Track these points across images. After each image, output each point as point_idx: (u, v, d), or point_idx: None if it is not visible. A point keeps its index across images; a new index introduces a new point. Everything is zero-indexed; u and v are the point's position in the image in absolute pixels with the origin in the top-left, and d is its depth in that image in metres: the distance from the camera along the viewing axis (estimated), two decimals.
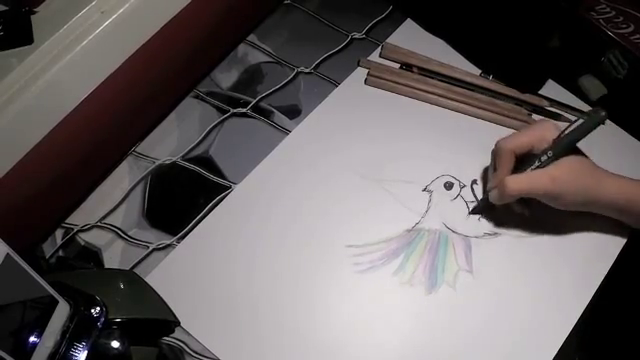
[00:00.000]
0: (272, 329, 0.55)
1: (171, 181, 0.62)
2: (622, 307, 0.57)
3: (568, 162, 0.53)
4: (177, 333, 0.54)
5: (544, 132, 0.54)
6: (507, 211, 0.59)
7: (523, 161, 0.55)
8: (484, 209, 0.60)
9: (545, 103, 0.66)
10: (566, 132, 0.53)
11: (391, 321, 0.55)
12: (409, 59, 0.68)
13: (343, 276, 0.57)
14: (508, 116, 0.65)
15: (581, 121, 0.52)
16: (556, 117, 0.65)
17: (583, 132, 0.52)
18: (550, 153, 0.53)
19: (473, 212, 0.60)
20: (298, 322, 0.55)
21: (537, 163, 0.54)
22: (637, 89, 0.63)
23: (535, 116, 0.66)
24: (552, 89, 0.67)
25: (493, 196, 0.56)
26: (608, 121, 0.65)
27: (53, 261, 0.58)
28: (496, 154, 0.57)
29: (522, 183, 0.54)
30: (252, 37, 0.71)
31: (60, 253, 0.58)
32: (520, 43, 0.64)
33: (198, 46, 0.62)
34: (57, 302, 0.43)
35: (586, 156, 0.55)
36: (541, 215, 0.59)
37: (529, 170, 0.54)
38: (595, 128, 0.52)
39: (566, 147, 0.53)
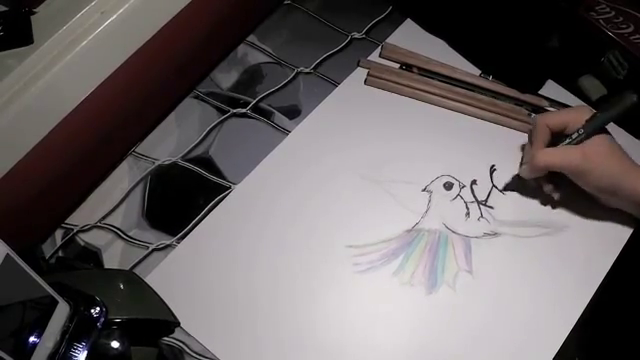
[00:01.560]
0: (272, 329, 0.55)
1: (171, 181, 0.62)
2: (622, 307, 0.57)
3: (600, 140, 0.54)
4: (177, 333, 0.54)
5: (580, 114, 0.55)
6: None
7: (556, 140, 0.56)
8: (516, 186, 0.61)
9: (545, 103, 0.66)
10: (600, 112, 0.54)
11: (391, 321, 0.55)
12: (409, 59, 0.68)
13: (343, 276, 0.57)
14: (508, 116, 0.65)
15: (615, 102, 0.54)
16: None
17: (615, 113, 0.54)
18: (582, 131, 0.54)
19: (505, 189, 0.61)
20: (298, 322, 0.55)
21: (568, 140, 0.55)
22: (637, 89, 0.63)
23: (535, 116, 0.66)
24: (552, 89, 0.67)
25: (524, 170, 0.57)
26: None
27: (53, 261, 0.58)
28: (532, 128, 0.57)
29: (553, 156, 0.55)
30: (252, 37, 0.71)
31: (60, 253, 0.58)
32: (520, 43, 0.64)
33: (198, 46, 0.62)
34: (57, 302, 0.43)
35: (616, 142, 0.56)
36: (541, 215, 0.59)
37: (560, 145, 0.55)
38: (627, 110, 0.53)
39: (598, 127, 0.54)
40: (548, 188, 0.59)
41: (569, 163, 0.54)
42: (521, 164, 0.60)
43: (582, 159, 0.53)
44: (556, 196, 0.59)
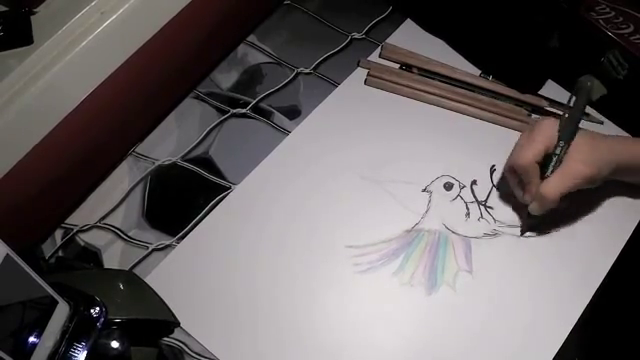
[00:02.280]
0: (272, 329, 0.55)
1: (171, 182, 0.62)
2: (622, 307, 0.57)
3: (582, 142, 0.54)
4: (177, 334, 0.54)
5: (551, 130, 0.55)
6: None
7: (543, 165, 0.55)
8: (531, 226, 0.59)
9: (545, 103, 0.66)
10: (566, 115, 0.54)
11: (391, 322, 0.55)
12: (409, 59, 0.68)
13: (343, 276, 0.57)
14: (508, 116, 0.65)
15: (574, 98, 0.54)
16: (556, 117, 0.65)
17: (581, 107, 0.53)
18: (562, 143, 0.54)
19: (523, 233, 0.59)
20: (298, 323, 0.55)
21: (555, 158, 0.54)
22: (637, 89, 0.63)
23: (535, 116, 0.66)
24: (552, 89, 0.67)
25: (536, 209, 0.56)
26: (608, 121, 0.65)
27: (53, 261, 0.58)
28: (521, 171, 0.56)
29: (560, 185, 0.54)
30: (252, 37, 0.71)
31: (60, 253, 0.58)
32: (520, 43, 0.64)
33: (198, 46, 0.62)
34: (57, 302, 0.43)
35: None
36: (541, 216, 0.59)
37: (550, 168, 0.55)
38: (590, 99, 0.53)
39: (573, 130, 0.54)
40: (560, 205, 0.57)
41: (578, 180, 0.54)
42: (524, 196, 0.58)
43: (587, 169, 0.53)
44: (566, 204, 0.57)
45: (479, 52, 0.69)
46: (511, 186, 0.59)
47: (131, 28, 0.52)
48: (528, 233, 0.59)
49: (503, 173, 0.61)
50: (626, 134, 0.64)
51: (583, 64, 0.66)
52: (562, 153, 0.54)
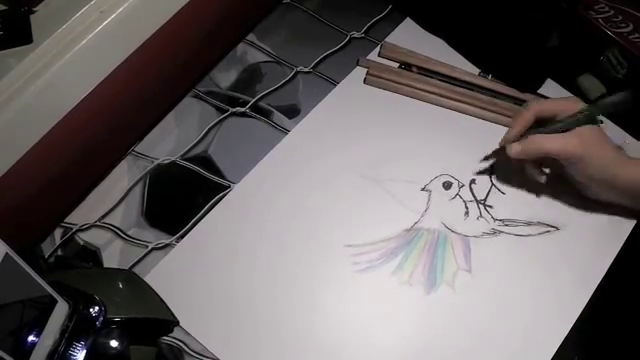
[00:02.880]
0: (271, 328, 0.55)
1: (170, 180, 0.62)
2: (621, 307, 0.57)
3: (595, 130, 0.54)
4: (176, 333, 0.54)
5: (570, 104, 0.55)
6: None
7: (542, 125, 0.56)
8: (496, 163, 0.61)
9: None
10: (594, 104, 0.54)
11: (390, 321, 0.55)
12: (408, 58, 0.68)
13: (342, 276, 0.57)
14: (507, 115, 0.65)
15: (610, 97, 0.54)
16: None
17: (609, 106, 0.54)
18: (577, 116, 0.53)
19: (486, 159, 0.62)
20: (297, 322, 0.55)
21: (560, 124, 0.54)
22: (636, 88, 0.63)
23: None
24: (551, 88, 0.67)
25: (514, 149, 0.56)
26: (608, 121, 0.65)
27: (52, 260, 0.58)
28: (524, 110, 0.57)
29: (553, 141, 0.54)
30: (251, 36, 0.71)
31: (59, 252, 0.58)
32: (519, 42, 0.64)
33: (197, 45, 0.62)
34: (56, 301, 0.43)
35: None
36: (540, 215, 0.59)
37: (550, 127, 0.55)
38: (620, 107, 0.54)
39: (593, 116, 0.54)
40: (534, 172, 0.58)
41: (567, 149, 0.53)
42: (502, 142, 0.59)
43: (580, 146, 0.53)
44: (543, 179, 0.58)
45: (478, 51, 0.69)
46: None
47: (130, 27, 0.52)
48: (528, 232, 0.59)
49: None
50: (626, 134, 0.65)
51: (582, 63, 0.66)
52: (567, 124, 0.54)
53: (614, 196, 0.56)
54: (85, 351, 0.43)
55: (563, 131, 0.54)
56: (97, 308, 0.45)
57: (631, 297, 0.57)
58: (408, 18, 0.72)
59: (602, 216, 0.59)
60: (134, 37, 0.53)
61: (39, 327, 0.41)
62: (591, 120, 0.54)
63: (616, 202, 0.57)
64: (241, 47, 0.71)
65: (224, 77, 0.69)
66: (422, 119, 0.65)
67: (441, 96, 0.66)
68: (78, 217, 0.60)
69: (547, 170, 0.59)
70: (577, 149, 0.53)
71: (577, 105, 0.55)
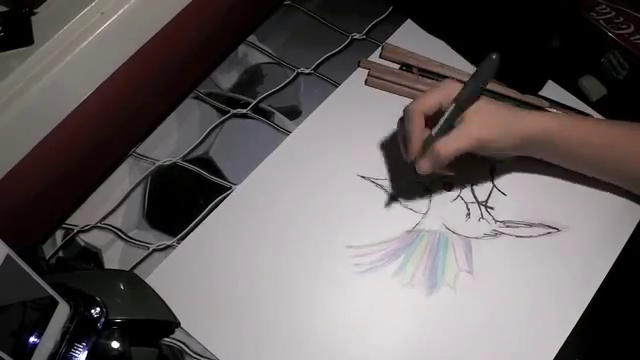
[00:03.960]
0: (272, 330, 0.55)
1: (171, 182, 0.62)
2: (622, 307, 0.57)
3: (484, 107, 0.53)
4: (177, 334, 0.54)
5: (450, 90, 0.54)
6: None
7: (433, 122, 0.54)
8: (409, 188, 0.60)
9: (545, 104, 0.66)
10: (467, 81, 0.53)
11: (391, 322, 0.55)
12: (409, 60, 0.68)
13: (343, 277, 0.57)
14: None
15: (480, 68, 0.52)
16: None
17: (483, 78, 0.52)
18: (453, 105, 0.53)
19: (396, 198, 0.60)
20: (298, 323, 0.55)
21: (442, 119, 0.53)
22: (637, 89, 0.63)
23: None
24: (552, 90, 0.67)
25: (425, 166, 0.54)
26: None
27: (53, 262, 0.58)
28: (407, 119, 0.54)
29: (454, 144, 0.52)
30: (252, 38, 0.71)
31: (60, 254, 0.58)
32: (520, 44, 0.64)
33: (198, 47, 0.62)
34: (57, 303, 0.43)
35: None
36: (541, 216, 0.59)
37: (438, 127, 0.53)
38: (492, 74, 0.52)
39: (469, 95, 0.53)
40: (445, 171, 0.57)
41: (472, 143, 0.52)
42: (409, 159, 0.56)
43: (479, 131, 0.52)
44: (453, 172, 0.58)
45: (479, 53, 0.68)
46: (399, 140, 0.57)
47: (131, 28, 0.52)
48: (529, 234, 0.59)
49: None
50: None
51: (584, 64, 0.66)
52: (452, 116, 0.53)
53: (531, 152, 0.57)
54: (86, 352, 0.43)
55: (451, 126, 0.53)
56: (98, 309, 0.45)
57: (632, 299, 0.57)
58: (409, 20, 0.72)
59: (603, 218, 0.59)
60: (135, 38, 0.53)
61: (40, 328, 0.41)
62: (470, 101, 0.53)
63: (526, 154, 0.58)
64: (242, 48, 0.71)
65: (225, 78, 0.69)
66: None
67: None
68: (79, 218, 0.60)
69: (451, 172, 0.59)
70: (482, 134, 0.53)
71: (453, 89, 0.53)
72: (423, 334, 0.55)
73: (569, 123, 0.55)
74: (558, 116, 0.59)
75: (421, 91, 0.66)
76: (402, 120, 0.56)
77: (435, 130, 0.54)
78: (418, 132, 0.54)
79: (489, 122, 0.53)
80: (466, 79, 0.66)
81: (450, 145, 0.52)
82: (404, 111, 0.55)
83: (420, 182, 0.62)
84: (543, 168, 0.60)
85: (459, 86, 0.54)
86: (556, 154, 0.58)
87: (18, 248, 0.39)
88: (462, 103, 0.53)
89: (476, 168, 0.62)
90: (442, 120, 0.53)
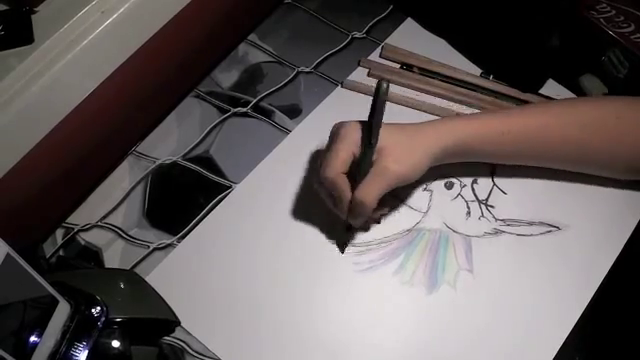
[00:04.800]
0: (272, 329, 0.55)
1: (171, 181, 0.62)
2: (622, 307, 0.57)
3: (394, 140, 0.51)
4: (178, 333, 0.54)
5: (354, 135, 0.51)
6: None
7: (354, 173, 0.52)
8: (351, 239, 0.58)
9: None
10: (365, 120, 0.51)
11: (391, 321, 0.55)
12: (409, 60, 0.68)
13: (343, 276, 0.57)
14: None
15: (370, 102, 0.50)
16: (358, 121, 0.65)
17: (380, 108, 0.50)
18: (367, 148, 0.51)
19: (343, 251, 0.58)
20: (298, 322, 0.55)
21: (362, 165, 0.51)
22: (638, 88, 0.63)
23: None
24: (553, 88, 0.67)
25: (357, 220, 0.54)
26: None
27: (53, 261, 0.58)
28: (329, 186, 0.52)
29: (375, 188, 0.51)
30: (252, 36, 0.71)
31: (60, 253, 0.59)
32: (521, 43, 0.64)
33: (198, 46, 0.62)
34: (57, 302, 0.43)
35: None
36: (542, 215, 0.59)
37: (362, 174, 0.52)
38: (384, 101, 0.49)
39: (375, 132, 0.50)
40: (376, 214, 0.57)
41: (392, 182, 0.51)
42: (338, 211, 0.55)
43: (396, 168, 0.51)
44: (386, 211, 0.58)
45: (480, 51, 0.69)
46: (323, 198, 0.55)
47: (131, 27, 0.52)
48: (529, 232, 0.59)
49: (314, 185, 0.56)
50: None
51: (584, 63, 0.66)
52: (368, 158, 0.51)
53: (448, 159, 0.55)
54: (87, 351, 0.43)
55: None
56: (99, 308, 0.45)
57: (632, 298, 0.57)
58: (409, 18, 0.72)
59: (604, 216, 0.59)
60: (135, 37, 0.53)
61: (41, 327, 0.41)
62: (374, 138, 0.51)
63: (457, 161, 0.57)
64: (242, 47, 0.71)
65: (225, 77, 0.69)
66: (423, 119, 0.65)
67: (442, 97, 0.66)
68: (80, 217, 0.60)
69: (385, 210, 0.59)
70: (396, 169, 0.51)
71: (354, 132, 0.51)
72: (423, 333, 0.55)
73: (474, 124, 0.54)
74: (459, 120, 0.55)
75: (421, 90, 0.66)
76: (319, 184, 0.54)
77: (359, 178, 0.52)
78: (347, 192, 0.52)
79: (403, 155, 0.51)
80: (466, 78, 0.67)
81: (370, 190, 0.51)
82: (322, 180, 0.52)
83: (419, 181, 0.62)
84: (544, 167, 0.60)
85: (355, 127, 0.51)
86: (484, 155, 0.56)
87: (18, 247, 0.39)
88: (372, 142, 0.50)
89: (476, 167, 0.62)
90: (362, 167, 0.51)
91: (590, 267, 0.57)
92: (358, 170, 0.52)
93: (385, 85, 0.49)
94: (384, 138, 0.51)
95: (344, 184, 0.52)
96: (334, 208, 0.54)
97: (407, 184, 0.53)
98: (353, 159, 0.52)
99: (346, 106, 0.66)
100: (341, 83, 0.68)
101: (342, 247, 0.58)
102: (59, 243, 0.59)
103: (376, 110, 0.50)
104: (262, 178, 0.62)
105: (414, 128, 0.53)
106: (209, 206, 0.61)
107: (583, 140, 0.55)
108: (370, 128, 0.50)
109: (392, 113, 0.65)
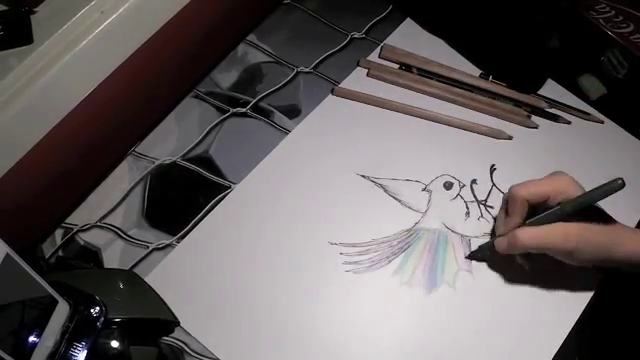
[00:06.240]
0: (272, 329, 0.55)
1: (171, 181, 0.62)
2: (623, 307, 0.57)
3: (583, 217, 0.50)
4: (177, 333, 0.54)
5: (561, 184, 0.51)
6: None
7: (536, 211, 0.53)
8: (485, 256, 0.58)
9: (544, 104, 0.66)
10: (583, 195, 0.50)
11: (391, 321, 0.55)
12: (408, 60, 0.68)
13: (343, 276, 0.57)
14: (507, 117, 0.65)
15: (599, 188, 0.49)
16: (555, 119, 0.65)
17: (599, 197, 0.49)
18: (564, 207, 0.50)
19: (470, 257, 0.58)
20: (298, 322, 0.55)
21: (544, 213, 0.51)
22: (637, 88, 0.63)
23: (535, 118, 0.66)
24: (552, 89, 0.67)
25: (501, 245, 0.54)
26: (608, 120, 0.65)
27: (53, 261, 0.58)
28: (510, 200, 0.53)
29: (536, 238, 0.51)
30: (252, 37, 0.71)
31: (60, 253, 0.58)
32: (520, 43, 0.64)
33: (197, 46, 0.62)
34: (57, 302, 0.43)
35: (603, 211, 0.52)
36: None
37: (535, 218, 0.52)
38: (611, 194, 0.49)
39: (578, 206, 0.50)
40: (520, 259, 0.56)
41: (552, 245, 0.51)
42: (493, 233, 0.57)
43: (565, 240, 0.50)
44: (527, 266, 0.56)
45: (479, 52, 0.69)
46: (500, 210, 0.57)
47: (131, 27, 0.52)
48: None
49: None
50: (626, 133, 0.64)
51: (583, 63, 0.66)
52: (553, 217, 0.51)
53: (621, 267, 0.53)
54: (86, 352, 0.43)
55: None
56: (98, 308, 0.45)
57: (632, 297, 0.57)
58: (409, 18, 0.72)
59: None
60: (135, 37, 0.53)
61: (40, 328, 0.41)
62: (577, 211, 0.50)
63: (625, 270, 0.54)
64: (242, 47, 0.70)
65: (225, 77, 0.69)
66: (423, 119, 0.65)
67: (441, 97, 0.66)
68: (79, 217, 0.60)
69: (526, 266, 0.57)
70: (562, 243, 0.50)
71: (564, 185, 0.51)
72: (422, 333, 0.55)
73: None
74: None
75: (420, 91, 0.66)
76: (506, 196, 0.55)
77: (530, 220, 0.52)
78: (517, 216, 0.53)
79: (582, 233, 0.50)
80: (465, 79, 0.67)
81: (531, 237, 0.51)
82: (510, 191, 0.53)
83: (419, 181, 0.62)
84: (542, 167, 0.60)
85: (571, 183, 0.51)
86: None
87: (18, 247, 0.39)
88: (569, 209, 0.50)
89: (476, 167, 0.62)
90: (542, 215, 0.51)
91: (589, 267, 0.57)
92: (540, 214, 0.52)
93: (620, 182, 0.48)
94: (582, 227, 0.50)
95: (521, 208, 0.52)
96: (501, 221, 0.56)
97: (567, 261, 0.52)
98: (546, 201, 0.52)
99: (346, 106, 0.66)
100: (332, 91, 0.67)
101: (471, 256, 0.58)
102: (58, 243, 0.59)
103: (595, 191, 0.49)
104: (261, 178, 0.62)
105: (609, 231, 0.51)
106: (208, 206, 0.61)
107: None
108: (581, 202, 0.50)
109: (387, 118, 0.66)
